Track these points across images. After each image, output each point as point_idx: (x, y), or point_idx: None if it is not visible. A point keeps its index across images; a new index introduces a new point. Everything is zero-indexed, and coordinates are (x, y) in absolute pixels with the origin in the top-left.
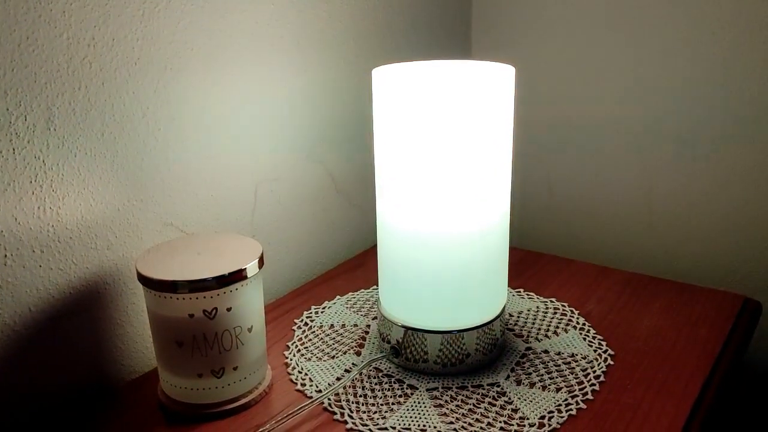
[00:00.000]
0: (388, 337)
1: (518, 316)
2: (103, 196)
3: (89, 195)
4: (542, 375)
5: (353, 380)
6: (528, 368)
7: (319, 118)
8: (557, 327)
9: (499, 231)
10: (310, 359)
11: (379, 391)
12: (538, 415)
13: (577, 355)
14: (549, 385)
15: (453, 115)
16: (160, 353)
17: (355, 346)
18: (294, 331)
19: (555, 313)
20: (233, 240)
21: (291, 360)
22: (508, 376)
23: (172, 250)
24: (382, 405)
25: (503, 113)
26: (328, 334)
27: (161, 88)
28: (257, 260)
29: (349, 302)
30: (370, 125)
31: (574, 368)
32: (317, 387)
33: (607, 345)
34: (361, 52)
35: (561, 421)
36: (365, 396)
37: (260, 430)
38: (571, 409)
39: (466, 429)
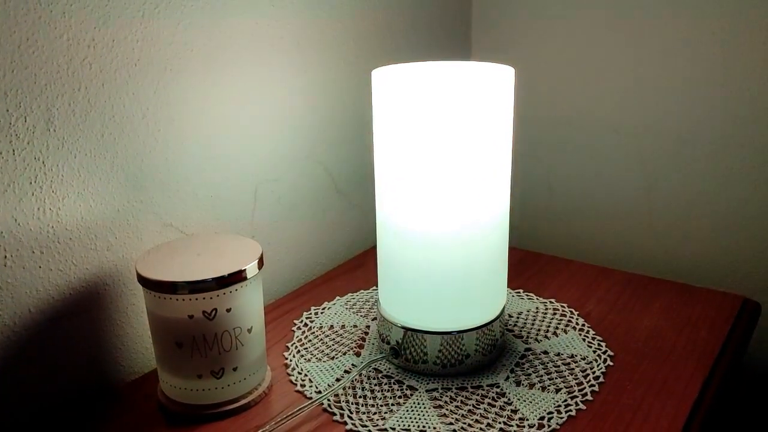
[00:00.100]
0: (388, 337)
1: (518, 317)
2: (102, 197)
3: (89, 196)
4: (542, 376)
5: (353, 381)
6: (527, 369)
7: (318, 118)
8: (557, 328)
9: (499, 231)
10: (309, 360)
11: (378, 392)
12: (538, 416)
13: (576, 355)
14: (548, 385)
15: (453, 116)
16: (159, 354)
17: (355, 347)
18: (293, 331)
19: (554, 313)
20: (233, 241)
21: (291, 361)
22: (508, 377)
23: (172, 251)
24: (381, 406)
25: (503, 114)
26: (328, 335)
27: (161, 89)
28: (257, 261)
29: (349, 303)
30: (370, 126)
31: (573, 369)
32: (317, 388)
33: (606, 346)
34: (361, 52)
35: (560, 422)
36: (365, 397)
37: (260, 431)
38: (570, 410)
39: (465, 430)
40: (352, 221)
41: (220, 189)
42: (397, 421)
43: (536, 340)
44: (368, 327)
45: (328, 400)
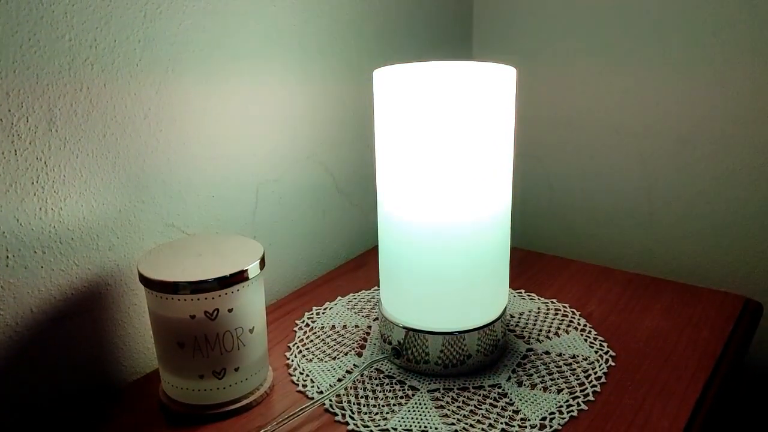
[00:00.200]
0: (390, 338)
1: (519, 317)
2: (104, 197)
3: (91, 196)
4: (543, 376)
5: (354, 381)
6: (529, 369)
7: (320, 119)
8: (558, 328)
9: (501, 231)
10: (311, 360)
11: (380, 392)
12: (540, 417)
13: (578, 356)
14: (550, 386)
15: (454, 117)
16: (161, 354)
17: (357, 347)
18: (295, 332)
19: (556, 314)
20: (234, 241)
21: (292, 361)
22: (510, 378)
23: (174, 251)
24: (383, 406)
25: (504, 114)
26: (330, 335)
27: (163, 90)
28: (258, 261)
29: (350, 303)
30: (371, 126)
31: (575, 369)
32: (318, 388)
33: (608, 346)
34: (362, 53)
35: (562, 422)
36: (366, 397)
37: (262, 431)
38: (572, 411)
39: (467, 430)
40: (353, 221)
41: (221, 189)
42: (399, 421)
43: (538, 340)
44: (370, 327)
45: (330, 400)
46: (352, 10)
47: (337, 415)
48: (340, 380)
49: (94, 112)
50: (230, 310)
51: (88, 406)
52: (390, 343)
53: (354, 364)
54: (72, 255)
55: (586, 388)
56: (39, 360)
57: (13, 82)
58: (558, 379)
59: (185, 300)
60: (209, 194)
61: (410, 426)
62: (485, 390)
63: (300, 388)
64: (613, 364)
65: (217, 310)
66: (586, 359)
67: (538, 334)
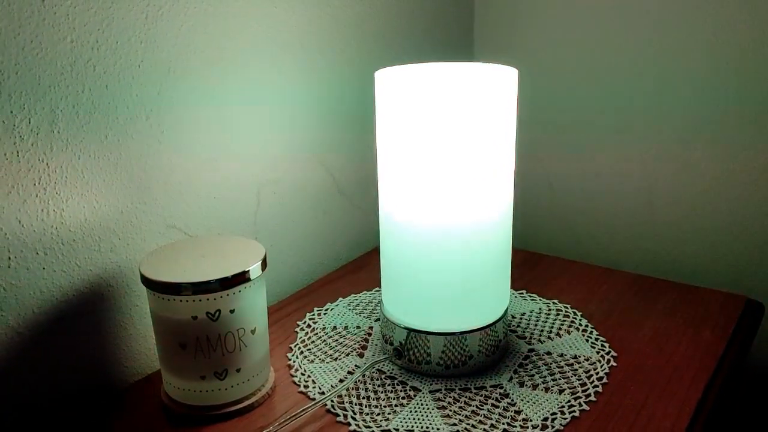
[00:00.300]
0: (391, 338)
1: (521, 318)
2: (106, 199)
3: (93, 197)
4: (545, 377)
5: (356, 382)
6: (531, 370)
7: (321, 120)
8: (560, 328)
9: (502, 232)
10: (313, 361)
11: (382, 393)
12: (541, 417)
13: (579, 356)
14: (552, 386)
15: (455, 118)
16: (163, 355)
17: (358, 348)
18: (297, 333)
19: (558, 314)
20: (236, 242)
21: (294, 362)
22: (511, 378)
23: (176, 253)
24: (385, 407)
25: (506, 115)
26: (331, 336)
27: (164, 91)
28: (260, 262)
29: (352, 304)
30: (373, 127)
31: (577, 370)
32: (320, 389)
33: (609, 346)
34: (364, 54)
35: (564, 422)
36: (368, 398)
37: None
38: (574, 411)
39: (469, 431)
40: (354, 222)
41: (223, 190)
42: (401, 422)
43: (539, 340)
44: (371, 328)
45: (332, 401)
46: (354, 11)
47: (338, 415)
48: (341, 381)
49: (96, 113)
50: (232, 311)
51: (90, 407)
52: (391, 343)
53: (356, 365)
54: (74, 256)
55: (588, 389)
56: (41, 361)
57: (15, 84)
58: (560, 379)
59: (187, 301)
60: (211, 195)
61: (412, 426)
62: (487, 390)
63: (302, 388)
64: (614, 364)
65: (219, 311)
66: (587, 359)
67: (540, 335)
